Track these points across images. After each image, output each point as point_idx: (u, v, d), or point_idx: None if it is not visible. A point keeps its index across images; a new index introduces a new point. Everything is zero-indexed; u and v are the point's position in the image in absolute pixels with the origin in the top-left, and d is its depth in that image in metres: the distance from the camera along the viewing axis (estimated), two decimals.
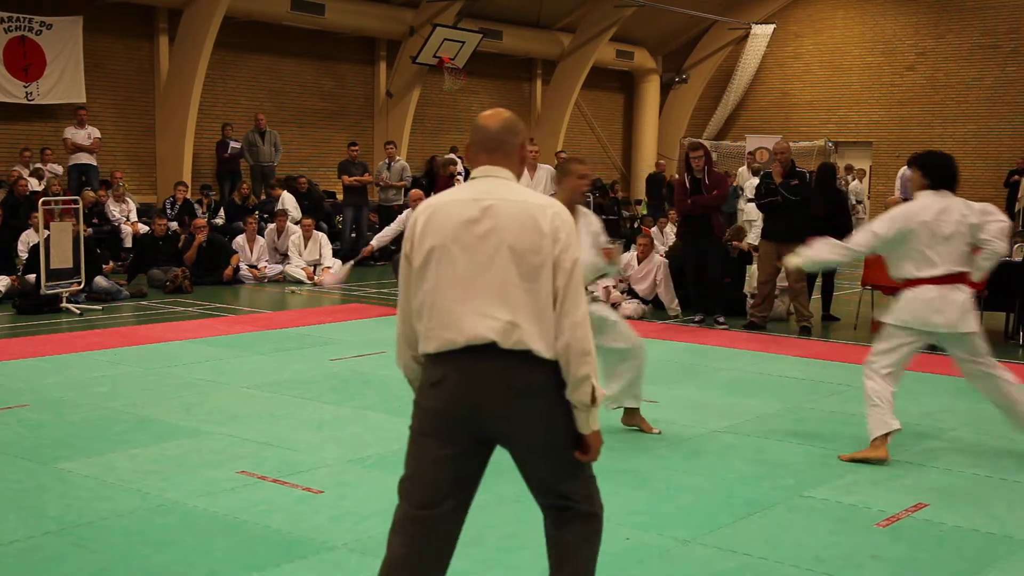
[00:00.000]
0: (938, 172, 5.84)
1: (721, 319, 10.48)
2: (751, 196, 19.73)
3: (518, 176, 3.14)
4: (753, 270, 11.45)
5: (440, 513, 3.02)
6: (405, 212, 11.77)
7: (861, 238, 5.97)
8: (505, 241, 2.96)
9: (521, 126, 3.20)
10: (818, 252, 6.11)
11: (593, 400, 2.96)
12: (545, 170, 12.20)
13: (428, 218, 3.03)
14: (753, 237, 16.06)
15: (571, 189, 5.62)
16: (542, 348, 2.94)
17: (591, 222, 5.82)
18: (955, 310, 5.70)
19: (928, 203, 5.75)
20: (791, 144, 12.05)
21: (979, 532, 4.64)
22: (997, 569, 4.23)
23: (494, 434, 3.02)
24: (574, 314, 2.96)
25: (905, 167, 21.00)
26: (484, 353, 2.94)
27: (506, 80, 23.74)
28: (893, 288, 10.34)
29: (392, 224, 11.94)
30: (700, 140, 11.61)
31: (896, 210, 5.84)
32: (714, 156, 21.75)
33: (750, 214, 19.24)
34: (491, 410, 2.95)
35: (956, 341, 5.84)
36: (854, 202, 22.01)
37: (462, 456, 3.02)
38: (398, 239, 12.64)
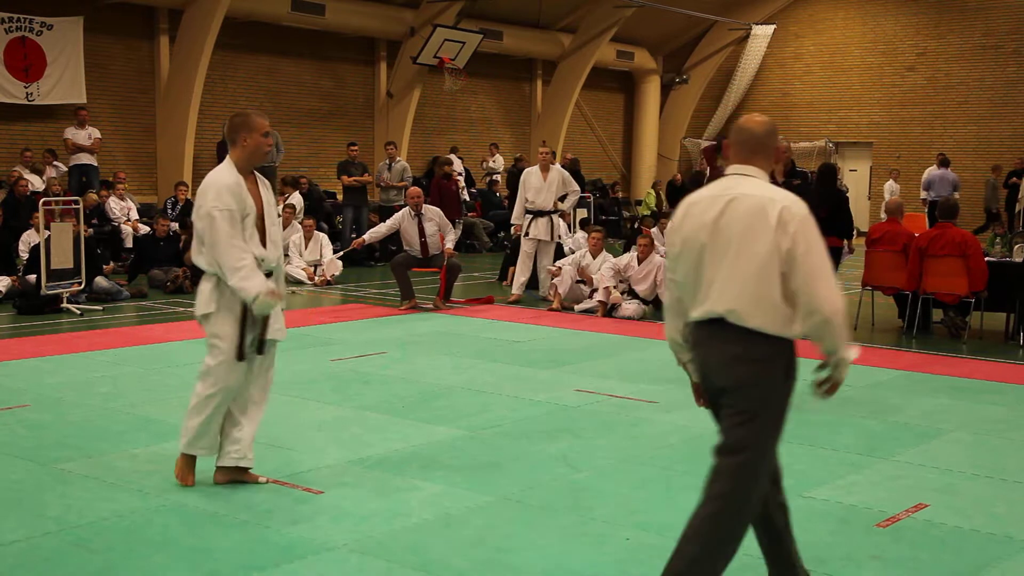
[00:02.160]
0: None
1: None
2: None
3: (775, 173, 3.53)
4: None
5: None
6: (402, 211, 11.77)
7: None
8: (737, 231, 3.41)
9: (777, 129, 3.66)
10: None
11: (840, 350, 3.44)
12: (557, 170, 12.33)
13: (684, 212, 3.57)
14: None
15: (252, 148, 5.01)
16: (761, 325, 3.40)
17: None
18: None
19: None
20: (789, 144, 12.04)
21: (979, 532, 4.63)
22: (997, 569, 4.23)
23: (718, 393, 3.55)
24: (816, 292, 3.34)
25: (932, 167, 21.05)
26: (715, 325, 3.46)
27: (506, 80, 23.74)
28: (894, 288, 10.39)
29: (387, 222, 11.96)
30: (711, 141, 11.54)
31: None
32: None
33: None
34: (715, 372, 3.51)
35: None
36: None
37: (715, 408, 3.62)
38: (396, 239, 12.68)
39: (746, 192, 3.44)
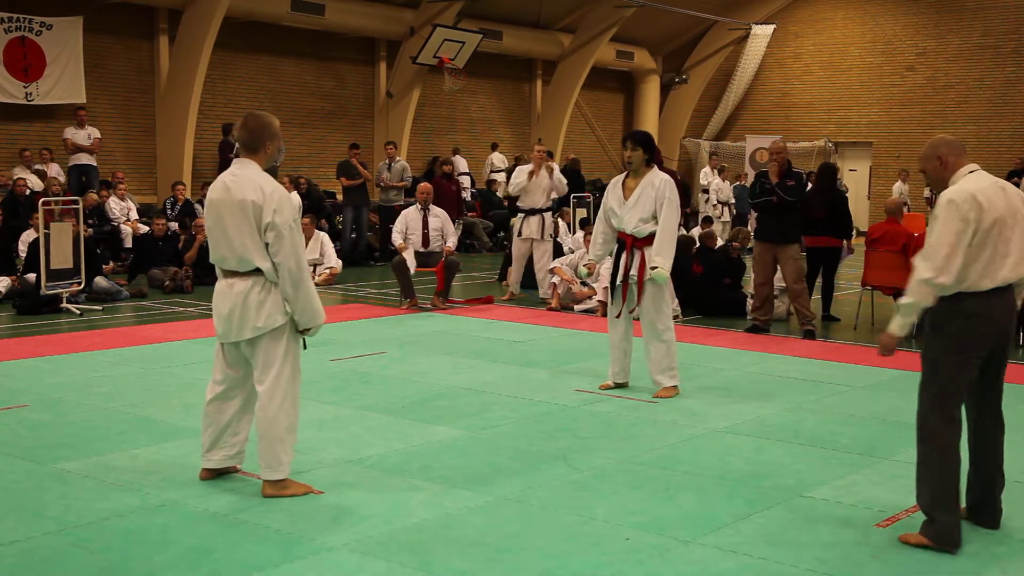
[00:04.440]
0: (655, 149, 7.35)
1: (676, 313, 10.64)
2: (718, 199, 19.87)
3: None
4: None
5: (965, 410, 4.46)
6: (408, 208, 11.88)
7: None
8: (1021, 211, 4.36)
9: None
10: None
11: None
12: (552, 168, 12.43)
13: (986, 199, 4.27)
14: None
15: (271, 155, 5.27)
16: None
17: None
18: None
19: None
20: (788, 144, 12.03)
21: (979, 532, 4.63)
22: (997, 569, 4.23)
23: (1002, 346, 4.39)
24: None
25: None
26: (1008, 290, 4.35)
27: (506, 80, 23.75)
28: (894, 288, 10.38)
29: (396, 225, 11.92)
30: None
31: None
32: (713, 157, 21.89)
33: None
34: (1007, 329, 4.38)
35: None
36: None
37: (980, 365, 4.34)
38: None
39: (998, 180, 4.41)
